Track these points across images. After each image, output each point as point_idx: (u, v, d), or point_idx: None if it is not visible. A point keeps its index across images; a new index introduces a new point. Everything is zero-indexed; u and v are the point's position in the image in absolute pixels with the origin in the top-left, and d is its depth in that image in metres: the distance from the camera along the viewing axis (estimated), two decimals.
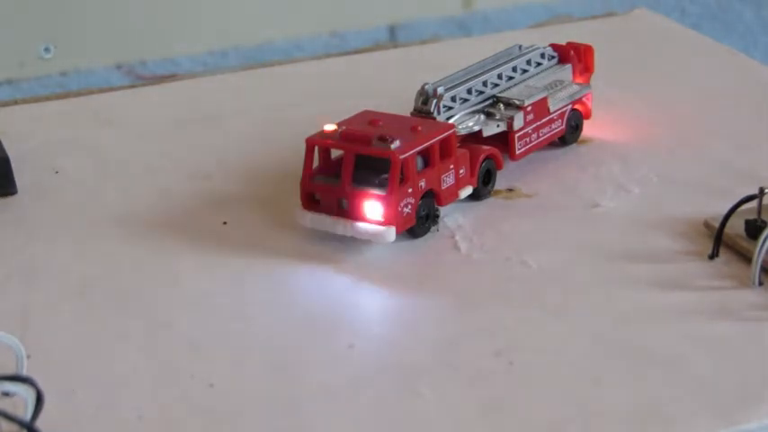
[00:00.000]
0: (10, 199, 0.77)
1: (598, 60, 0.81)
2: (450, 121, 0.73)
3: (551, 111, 0.77)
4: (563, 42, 0.81)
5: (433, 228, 0.70)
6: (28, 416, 0.51)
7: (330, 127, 0.70)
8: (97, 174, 0.80)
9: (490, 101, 0.76)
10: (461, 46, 1.02)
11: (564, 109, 0.78)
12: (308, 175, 0.70)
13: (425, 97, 0.74)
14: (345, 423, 0.56)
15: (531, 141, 0.76)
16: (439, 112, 0.73)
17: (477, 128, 0.74)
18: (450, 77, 0.76)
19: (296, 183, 0.70)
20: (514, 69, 0.78)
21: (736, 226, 0.67)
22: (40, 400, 0.52)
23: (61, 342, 0.62)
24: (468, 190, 0.72)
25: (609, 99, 0.84)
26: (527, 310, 0.63)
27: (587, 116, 0.80)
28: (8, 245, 0.72)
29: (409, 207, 0.68)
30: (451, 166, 0.71)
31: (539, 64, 0.79)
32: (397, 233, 0.68)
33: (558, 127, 0.78)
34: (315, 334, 0.62)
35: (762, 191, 0.66)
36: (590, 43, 0.81)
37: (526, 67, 0.78)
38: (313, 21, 1.33)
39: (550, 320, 0.62)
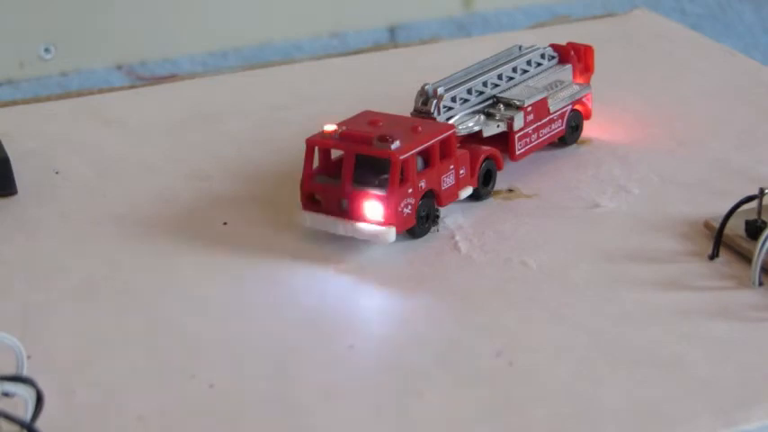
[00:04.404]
0: (10, 199, 0.77)
1: (598, 60, 0.81)
2: (451, 122, 0.73)
3: (551, 111, 0.77)
4: (563, 43, 0.81)
5: (433, 228, 0.70)
6: (28, 416, 0.51)
7: (330, 127, 0.70)
8: (97, 174, 0.80)
9: (490, 101, 0.76)
10: (461, 46, 1.02)
11: (564, 109, 0.78)
12: (308, 175, 0.70)
13: (425, 98, 0.73)
14: (345, 423, 0.56)
15: (531, 142, 0.76)
16: (439, 113, 0.73)
17: (477, 128, 0.74)
18: (450, 78, 0.76)
19: (296, 183, 0.70)
20: (514, 70, 0.78)
21: (737, 226, 0.67)
22: (40, 400, 0.52)
23: (61, 342, 0.62)
24: (468, 190, 0.72)
25: (609, 99, 0.84)
26: (527, 310, 0.63)
27: (587, 116, 0.80)
28: (8, 245, 0.72)
29: (409, 207, 0.68)
30: (451, 167, 0.71)
31: (539, 64, 0.79)
32: (397, 233, 0.68)
33: (558, 127, 0.78)
34: (315, 334, 0.62)
35: (762, 191, 0.66)
36: (590, 43, 0.81)
37: (526, 68, 0.78)
38: (313, 21, 1.33)
39: (550, 320, 0.62)
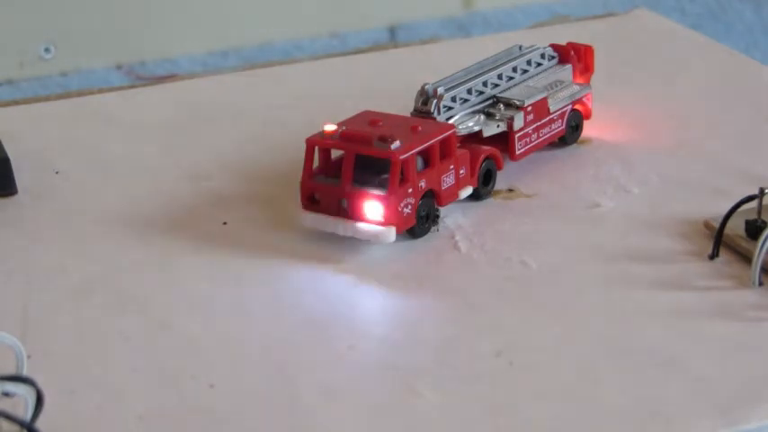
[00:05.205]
0: (10, 199, 0.77)
1: (598, 60, 0.81)
2: (451, 122, 0.73)
3: (551, 111, 0.77)
4: (563, 42, 0.81)
5: (433, 228, 0.70)
6: (28, 416, 0.51)
7: (330, 127, 0.70)
8: (97, 174, 0.80)
9: (490, 101, 0.76)
10: (461, 46, 1.02)
11: (564, 109, 0.78)
12: (308, 175, 0.70)
13: (425, 97, 0.73)
14: (345, 423, 0.56)
15: (531, 141, 0.76)
16: (439, 113, 0.73)
17: (477, 128, 0.74)
18: (450, 78, 0.76)
19: (296, 183, 0.70)
20: (514, 70, 0.78)
21: (736, 226, 0.67)
22: (40, 400, 0.52)
23: (61, 342, 0.62)
24: (468, 190, 0.72)
25: (609, 99, 0.84)
26: (527, 310, 0.63)
27: (587, 116, 0.80)
28: (8, 245, 0.72)
29: (409, 207, 0.68)
30: (451, 167, 0.71)
31: (539, 64, 0.79)
32: (397, 233, 0.68)
33: (559, 127, 0.78)
34: (315, 334, 0.62)
35: (762, 191, 0.66)
36: (590, 43, 0.81)
37: (526, 68, 0.78)
38: (313, 21, 1.33)
39: (550, 320, 0.62)
